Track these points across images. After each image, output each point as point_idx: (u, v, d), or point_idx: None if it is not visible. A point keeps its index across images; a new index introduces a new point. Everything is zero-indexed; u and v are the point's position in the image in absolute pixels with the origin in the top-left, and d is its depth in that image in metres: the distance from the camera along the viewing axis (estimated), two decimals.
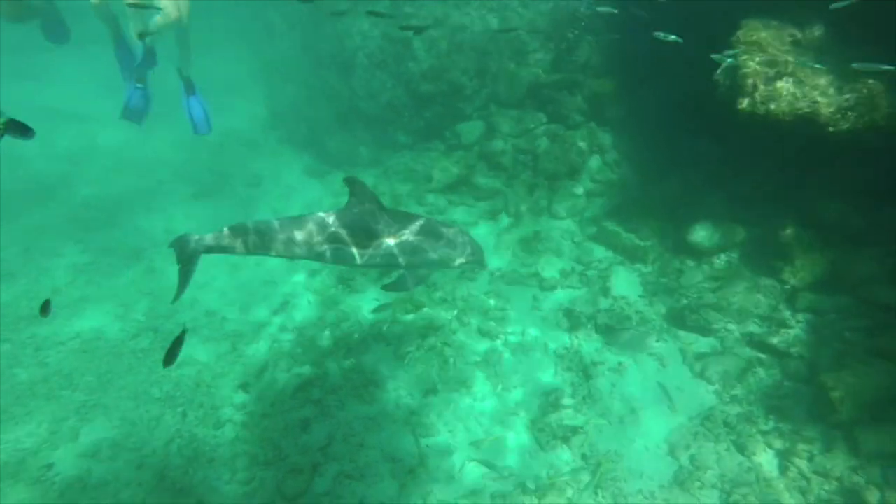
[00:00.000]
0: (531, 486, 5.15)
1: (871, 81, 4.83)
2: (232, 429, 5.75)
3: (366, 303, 7.04)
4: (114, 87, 7.43)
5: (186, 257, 4.18)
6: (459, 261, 4.41)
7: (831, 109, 4.97)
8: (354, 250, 4.18)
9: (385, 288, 4.49)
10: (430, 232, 4.28)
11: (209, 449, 5.54)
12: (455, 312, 6.66)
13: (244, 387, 6.16)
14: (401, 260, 4.22)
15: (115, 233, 8.79)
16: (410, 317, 6.69)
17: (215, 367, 6.43)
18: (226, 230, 4.20)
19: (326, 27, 9.76)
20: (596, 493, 5.07)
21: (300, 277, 7.65)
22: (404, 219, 4.27)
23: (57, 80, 13.45)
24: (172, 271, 7.82)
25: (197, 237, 4.17)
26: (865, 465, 4.79)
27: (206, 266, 7.94)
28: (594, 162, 7.99)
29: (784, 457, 5.11)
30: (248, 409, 5.92)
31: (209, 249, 4.21)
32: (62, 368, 6.31)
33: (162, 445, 5.55)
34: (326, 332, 6.69)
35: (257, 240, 4.18)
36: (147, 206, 9.49)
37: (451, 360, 6.17)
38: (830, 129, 5.02)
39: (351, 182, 4.25)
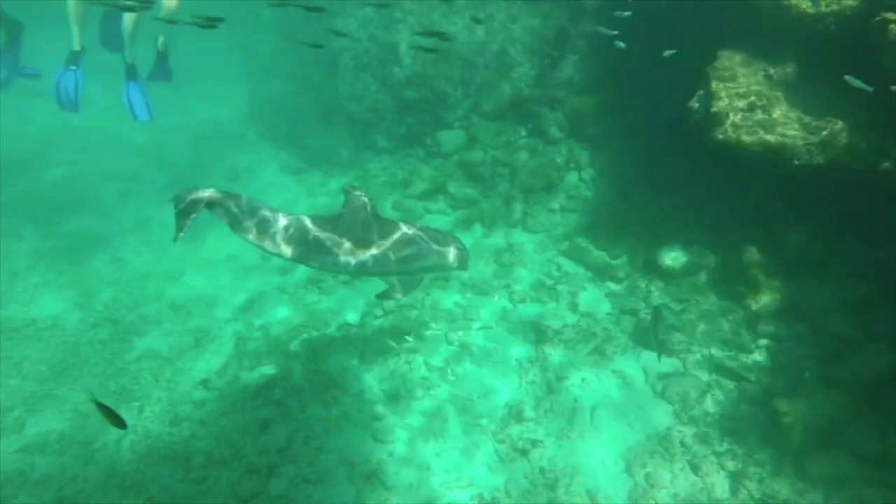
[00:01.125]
0: (487, 497, 5.16)
1: (834, 120, 5.02)
2: (189, 426, 5.63)
3: (335, 304, 6.99)
4: (91, 66, 7.26)
5: (185, 203, 4.06)
6: (449, 264, 4.51)
7: (797, 144, 5.15)
8: (349, 257, 4.19)
9: (379, 297, 4.54)
10: (421, 238, 4.35)
11: (164, 446, 5.42)
12: (423, 320, 6.66)
13: (205, 384, 6.05)
14: (395, 267, 4.28)
15: (83, 218, 8.58)
16: (378, 322, 6.67)
17: (176, 362, 6.31)
18: (238, 199, 4.19)
19: (314, 24, 9.70)
20: None
21: (270, 276, 7.57)
22: (394, 226, 4.30)
23: (30, 54, 13.08)
24: (139, 261, 7.77)
25: (202, 188, 4.13)
26: (810, 490, 4.92)
27: (175, 259, 7.87)
28: (571, 178, 8.09)
29: (735, 478, 5.21)
30: (208, 407, 5.81)
31: (210, 203, 4.12)
32: (13, 355, 6.11)
33: (114, 440, 5.41)
34: (293, 333, 6.61)
35: (251, 223, 4.17)
36: (119, 192, 9.30)
37: (417, 368, 6.16)
38: (796, 162, 5.19)
39: (348, 190, 4.38)
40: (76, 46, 6.02)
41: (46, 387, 5.83)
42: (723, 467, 5.32)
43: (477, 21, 7.98)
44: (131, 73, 5.99)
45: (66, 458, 5.21)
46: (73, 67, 5.85)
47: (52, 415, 5.57)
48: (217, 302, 7.19)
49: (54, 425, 5.47)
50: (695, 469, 5.35)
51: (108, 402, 5.69)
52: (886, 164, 4.91)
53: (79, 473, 5.09)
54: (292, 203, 9.04)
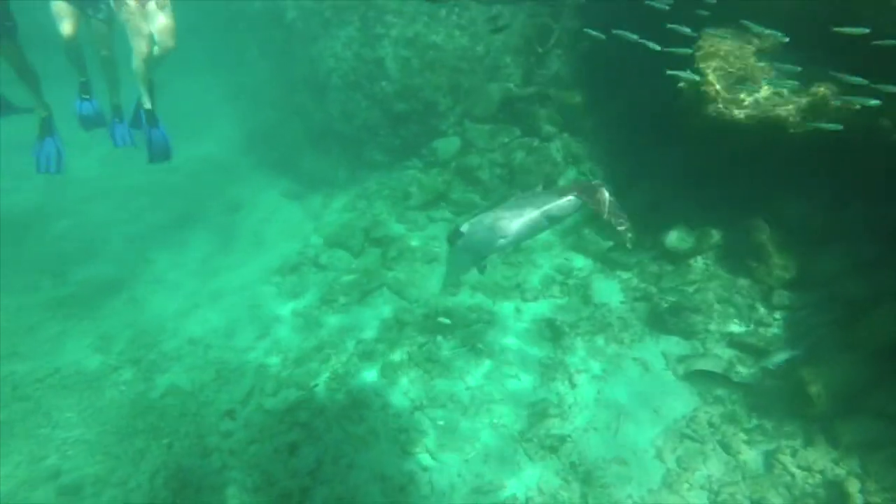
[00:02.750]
0: (522, 498, 5.16)
1: (824, 86, 5.03)
2: (219, 457, 5.67)
3: (349, 322, 7.05)
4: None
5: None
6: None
7: (790, 112, 5.16)
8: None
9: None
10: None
11: (196, 479, 5.46)
12: (438, 328, 6.69)
13: (230, 414, 6.10)
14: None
15: (93, 265, 8.69)
16: (394, 333, 6.71)
17: (200, 395, 6.36)
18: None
19: (298, 51, 9.85)
20: (586, 501, 5.10)
21: (284, 302, 7.62)
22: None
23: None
24: (153, 300, 7.83)
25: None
26: (845, 457, 4.90)
27: (189, 294, 7.96)
28: (570, 173, 8.13)
29: (768, 454, 5.20)
30: (235, 437, 5.86)
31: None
32: (40, 406, 6.19)
33: (147, 479, 5.46)
34: (311, 355, 6.66)
35: None
36: (124, 236, 9.41)
37: (437, 376, 6.19)
38: (791, 131, 5.20)
39: None
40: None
41: (76, 433, 5.90)
42: (754, 444, 5.31)
43: (497, 30, 8.13)
44: (152, 120, 5.57)
45: (103, 500, 5.27)
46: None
47: (84, 459, 5.63)
48: (234, 332, 7.25)
49: (88, 469, 5.53)
50: (726, 448, 5.34)
51: (137, 441, 5.81)
52: (883, 121, 4.93)
53: None
54: (297, 227, 9.12)
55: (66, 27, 5.18)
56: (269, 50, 11.25)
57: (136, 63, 5.11)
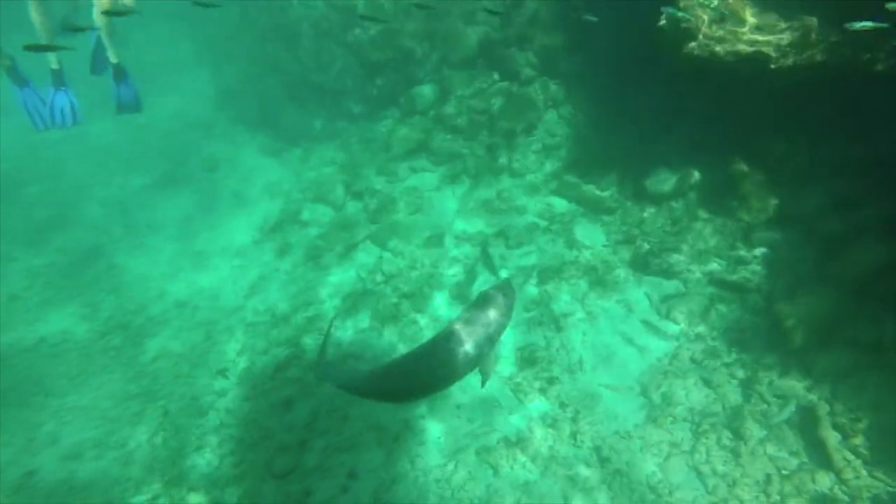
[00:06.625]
0: (513, 438, 5.36)
1: (807, 18, 4.94)
2: (216, 415, 5.78)
3: (335, 277, 7.05)
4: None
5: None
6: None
7: (772, 48, 5.09)
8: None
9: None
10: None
11: (195, 437, 5.58)
12: (424, 280, 6.73)
13: (223, 373, 6.17)
14: None
15: (70, 231, 8.52)
16: (380, 287, 6.74)
17: (191, 356, 6.41)
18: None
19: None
20: (575, 439, 5.31)
21: (267, 260, 7.59)
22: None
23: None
24: (135, 265, 7.75)
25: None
26: (818, 384, 5.14)
27: (171, 257, 7.88)
28: (550, 117, 8.01)
29: (747, 385, 5.42)
30: (230, 395, 5.96)
31: None
32: (31, 375, 6.20)
33: (147, 439, 5.57)
34: (299, 310, 6.70)
35: None
36: (100, 199, 9.19)
37: (426, 327, 6.27)
38: (772, 66, 5.14)
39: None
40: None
41: (70, 399, 5.94)
42: (733, 377, 5.52)
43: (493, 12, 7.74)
44: (119, 74, 5.70)
45: (105, 462, 5.37)
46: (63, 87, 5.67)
47: (81, 424, 5.70)
48: (220, 293, 7.24)
49: (86, 434, 5.61)
50: (707, 382, 5.54)
51: (132, 405, 5.89)
52: (864, 55, 4.88)
53: (120, 475, 5.26)
54: (277, 184, 8.96)
55: None
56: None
57: (98, 15, 4.97)
